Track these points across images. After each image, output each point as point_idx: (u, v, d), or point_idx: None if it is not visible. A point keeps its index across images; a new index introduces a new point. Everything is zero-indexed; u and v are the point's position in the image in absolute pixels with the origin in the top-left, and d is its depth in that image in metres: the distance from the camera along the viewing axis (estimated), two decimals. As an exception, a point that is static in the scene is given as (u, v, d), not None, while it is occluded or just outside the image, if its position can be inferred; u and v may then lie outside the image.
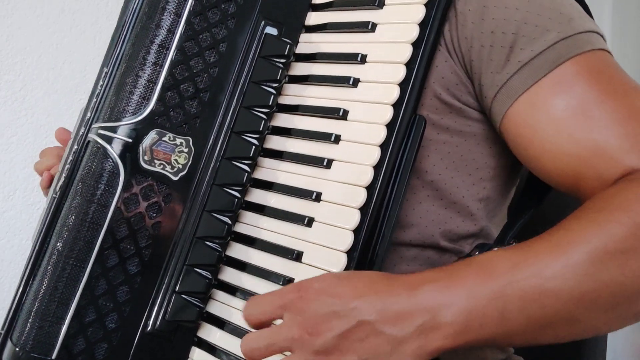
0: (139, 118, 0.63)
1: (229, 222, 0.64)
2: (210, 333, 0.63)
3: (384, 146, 0.59)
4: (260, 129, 0.65)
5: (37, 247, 0.65)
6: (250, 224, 0.64)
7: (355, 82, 0.62)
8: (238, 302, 0.62)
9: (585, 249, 0.49)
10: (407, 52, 0.60)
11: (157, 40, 0.64)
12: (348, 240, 0.57)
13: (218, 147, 0.64)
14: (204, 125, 0.65)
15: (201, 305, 0.63)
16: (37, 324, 0.61)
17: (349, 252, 0.57)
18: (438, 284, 0.50)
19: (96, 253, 0.62)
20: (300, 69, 0.67)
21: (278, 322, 0.53)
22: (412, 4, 0.61)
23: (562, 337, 0.51)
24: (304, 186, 0.62)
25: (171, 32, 0.65)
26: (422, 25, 0.60)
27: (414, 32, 0.60)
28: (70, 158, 0.67)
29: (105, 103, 0.65)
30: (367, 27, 0.63)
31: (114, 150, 0.63)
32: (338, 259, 0.57)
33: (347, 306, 0.50)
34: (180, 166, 0.64)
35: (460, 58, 0.62)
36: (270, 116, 0.65)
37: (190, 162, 0.64)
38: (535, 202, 0.69)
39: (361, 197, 0.58)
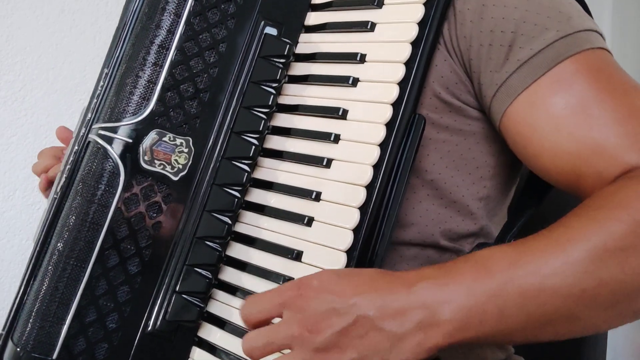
0: (139, 118, 0.63)
1: (229, 222, 0.64)
2: (210, 333, 0.63)
3: (383, 145, 0.59)
4: (260, 129, 0.65)
5: (37, 248, 0.65)
6: (250, 223, 0.64)
7: (355, 82, 0.62)
8: (238, 302, 0.62)
9: (584, 247, 0.49)
10: (406, 51, 0.60)
11: (157, 41, 0.64)
12: (348, 239, 0.57)
13: (218, 147, 0.65)
14: (204, 125, 0.65)
15: (201, 305, 0.63)
16: (37, 324, 0.61)
17: (349, 252, 0.57)
18: (437, 281, 0.50)
19: (97, 253, 0.62)
20: (299, 68, 0.67)
21: (276, 320, 0.53)
22: (412, 3, 0.61)
23: (562, 334, 0.51)
24: (303, 186, 0.62)
25: (171, 32, 0.65)
26: (421, 24, 0.60)
27: (413, 32, 0.60)
28: (71, 158, 0.67)
29: (105, 103, 0.65)
30: (367, 26, 0.63)
31: (115, 150, 0.63)
32: (338, 258, 0.57)
33: (346, 303, 0.50)
34: (181, 166, 0.64)
35: (459, 57, 0.62)
36: (270, 116, 0.66)
37: (190, 162, 0.64)
38: (536, 201, 0.69)
39: (361, 196, 0.58)
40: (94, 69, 1.35)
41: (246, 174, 0.64)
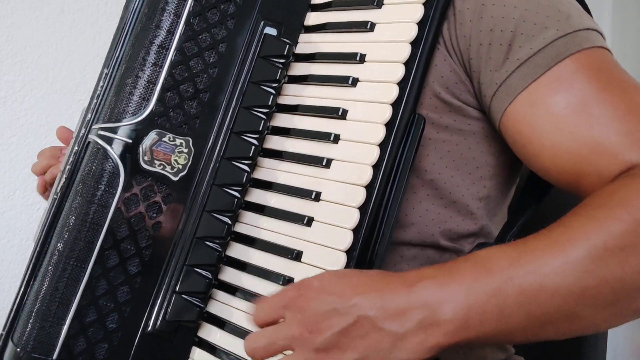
0: (139, 119, 0.63)
1: (229, 222, 0.64)
2: (210, 333, 0.63)
3: (383, 145, 0.59)
4: (260, 129, 0.65)
5: (37, 248, 0.65)
6: (250, 223, 0.64)
7: (355, 82, 0.62)
8: (238, 302, 0.62)
9: (584, 246, 0.49)
10: (405, 51, 0.60)
11: (157, 41, 0.64)
12: (347, 239, 0.57)
13: (218, 148, 0.65)
14: (203, 125, 0.65)
15: (201, 305, 0.63)
16: (38, 324, 0.61)
17: (349, 252, 0.57)
18: (437, 281, 0.51)
19: (96, 253, 0.62)
20: (299, 69, 0.67)
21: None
22: (411, 3, 0.61)
23: (562, 333, 0.51)
24: (303, 186, 0.62)
25: (171, 32, 0.65)
26: (421, 24, 0.60)
27: (412, 31, 0.60)
28: (71, 159, 0.67)
29: (105, 104, 0.65)
30: (366, 26, 0.63)
31: (114, 150, 0.63)
32: (337, 258, 0.57)
33: (346, 303, 0.50)
34: (180, 166, 0.64)
35: (459, 56, 0.62)
36: (269, 116, 0.66)
37: (190, 162, 0.64)
38: (536, 200, 0.69)
39: (360, 196, 0.58)
40: (94, 69, 1.35)
41: (246, 174, 0.64)
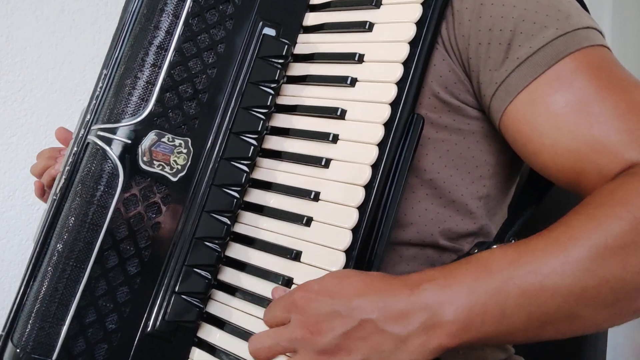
0: (138, 119, 0.63)
1: (228, 222, 0.64)
2: (210, 333, 0.63)
3: (382, 145, 0.59)
4: (259, 129, 0.65)
5: (37, 248, 0.65)
6: (249, 224, 0.64)
7: (353, 82, 0.62)
8: (238, 302, 0.62)
9: (585, 245, 0.49)
10: (404, 51, 0.60)
11: (156, 42, 0.64)
12: (347, 239, 0.57)
13: (217, 148, 0.65)
14: (202, 126, 0.65)
15: (201, 306, 0.63)
16: (37, 325, 0.61)
17: (348, 251, 0.57)
18: (438, 282, 0.51)
19: (96, 254, 0.62)
20: (298, 69, 0.67)
21: None
22: (409, 3, 0.61)
23: (562, 333, 0.51)
24: (302, 186, 0.62)
25: (169, 33, 0.65)
26: (419, 24, 0.60)
27: (411, 31, 0.60)
28: (70, 160, 0.67)
29: (104, 105, 0.65)
30: (365, 26, 0.63)
31: (113, 151, 0.63)
32: (337, 258, 0.57)
33: (348, 305, 0.50)
34: (179, 167, 0.64)
35: (458, 56, 0.62)
36: (268, 116, 0.66)
37: (189, 162, 0.64)
38: (536, 199, 0.69)
39: (359, 196, 0.58)
40: (93, 69, 1.35)
41: (245, 174, 0.64)
